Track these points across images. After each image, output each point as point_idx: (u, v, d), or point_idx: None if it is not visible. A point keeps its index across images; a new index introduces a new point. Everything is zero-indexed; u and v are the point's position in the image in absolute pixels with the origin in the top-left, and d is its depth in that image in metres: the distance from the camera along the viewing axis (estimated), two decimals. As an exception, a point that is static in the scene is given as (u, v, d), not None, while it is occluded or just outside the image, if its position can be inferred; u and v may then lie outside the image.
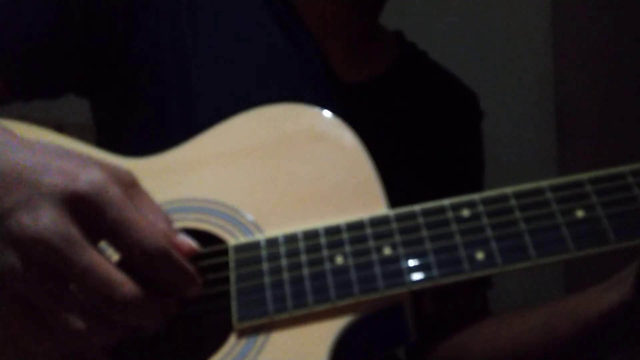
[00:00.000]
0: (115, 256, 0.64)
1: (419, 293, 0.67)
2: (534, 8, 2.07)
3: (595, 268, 1.66)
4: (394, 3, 0.98)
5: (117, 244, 0.59)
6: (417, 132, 0.99)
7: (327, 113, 0.76)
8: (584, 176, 0.66)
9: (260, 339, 0.65)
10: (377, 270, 0.65)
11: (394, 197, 0.71)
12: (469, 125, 1.07)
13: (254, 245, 0.69)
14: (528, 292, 1.74)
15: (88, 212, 0.57)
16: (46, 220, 0.55)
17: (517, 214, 0.65)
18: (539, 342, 0.83)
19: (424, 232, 0.66)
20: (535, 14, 2.08)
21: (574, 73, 2.00)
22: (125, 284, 0.57)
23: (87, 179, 0.57)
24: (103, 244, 0.60)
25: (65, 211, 0.56)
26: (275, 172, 0.73)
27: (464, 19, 2.05)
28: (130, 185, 0.61)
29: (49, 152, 0.58)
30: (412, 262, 0.65)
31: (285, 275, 0.67)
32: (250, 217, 0.71)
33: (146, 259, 0.59)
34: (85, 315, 0.57)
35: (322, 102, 0.77)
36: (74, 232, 0.56)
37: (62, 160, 0.58)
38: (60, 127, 1.45)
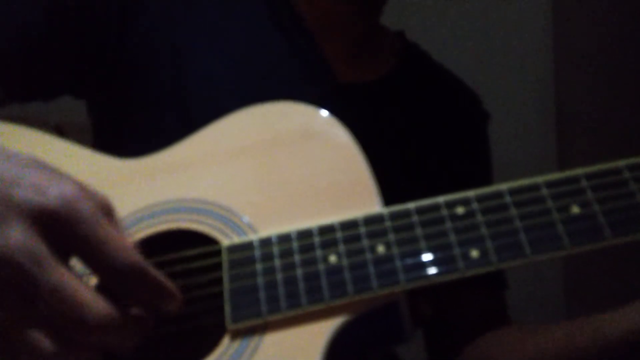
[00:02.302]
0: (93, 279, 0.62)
1: (415, 292, 0.66)
2: (534, 8, 2.07)
3: (594, 268, 1.65)
4: (394, 3, 0.97)
5: (88, 261, 0.56)
6: (420, 133, 0.98)
7: (320, 111, 0.75)
8: (579, 172, 0.65)
9: (254, 340, 0.65)
10: (371, 269, 0.65)
11: (395, 199, 0.70)
12: (472, 127, 1.06)
13: (247, 246, 0.68)
14: (528, 292, 1.73)
15: (58, 227, 0.54)
16: (13, 236, 0.53)
17: (512, 211, 0.65)
18: (562, 357, 0.83)
19: (418, 231, 0.66)
20: (535, 14, 2.07)
21: (574, 73, 1.99)
22: (96, 304, 0.54)
23: (58, 193, 0.54)
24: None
25: (35, 227, 0.54)
26: (268, 171, 0.73)
27: (464, 19, 2.04)
28: (104, 209, 0.58)
29: (22, 164, 0.56)
30: (406, 261, 0.65)
31: (279, 276, 0.66)
32: (243, 217, 0.71)
33: (119, 276, 0.56)
34: (54, 336, 0.54)
35: (320, 103, 0.76)
36: (43, 249, 0.53)
37: (34, 173, 0.56)
38: (60, 127, 1.45)
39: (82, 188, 0.56)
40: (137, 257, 0.57)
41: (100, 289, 0.56)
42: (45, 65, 0.86)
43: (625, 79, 1.77)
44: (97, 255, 0.55)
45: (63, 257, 0.55)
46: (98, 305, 0.54)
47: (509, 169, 1.14)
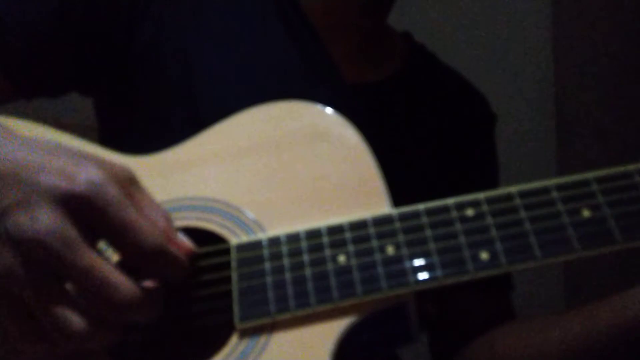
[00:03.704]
0: (115, 255, 0.63)
1: (422, 294, 0.66)
2: (534, 8, 2.07)
3: (595, 269, 1.66)
4: (394, 3, 0.97)
5: (115, 244, 0.59)
6: (427, 134, 0.98)
7: (329, 111, 0.75)
8: (590, 175, 0.65)
9: (262, 339, 0.65)
10: (380, 270, 0.65)
11: (403, 199, 0.70)
12: (480, 129, 1.06)
13: (256, 245, 0.68)
14: (528, 293, 1.73)
15: (86, 212, 0.56)
16: (44, 220, 0.54)
17: (522, 214, 0.65)
18: (589, 347, 0.79)
19: (428, 232, 0.66)
20: (535, 14, 2.07)
21: (574, 73, 1.99)
22: (124, 284, 0.57)
23: (85, 178, 0.56)
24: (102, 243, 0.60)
25: (63, 211, 0.55)
26: (277, 170, 0.73)
27: (464, 19, 2.04)
28: (128, 182, 0.60)
29: (47, 150, 0.58)
30: (415, 262, 0.65)
31: (288, 275, 0.66)
32: (252, 216, 0.71)
33: (145, 259, 0.59)
34: (83, 316, 0.57)
35: (328, 103, 0.76)
36: (72, 232, 0.55)
37: (60, 159, 0.57)
38: (59, 127, 1.45)
39: (107, 171, 0.58)
40: (161, 240, 0.59)
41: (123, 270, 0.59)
42: (54, 61, 0.87)
43: (625, 79, 1.78)
44: (123, 238, 0.58)
45: (91, 240, 0.57)
46: (126, 285, 0.57)
47: (509, 169, 1.14)
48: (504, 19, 2.06)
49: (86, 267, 0.55)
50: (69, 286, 0.57)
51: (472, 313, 0.97)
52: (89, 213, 0.56)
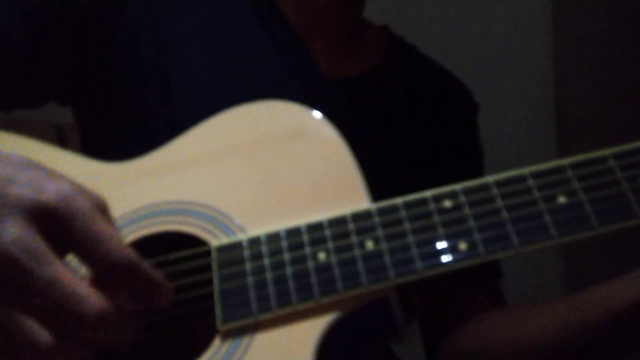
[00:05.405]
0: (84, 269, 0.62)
1: (408, 286, 0.66)
2: (534, 8, 2.07)
3: (595, 269, 1.64)
4: (394, 3, 0.97)
5: (83, 256, 0.57)
6: (408, 127, 0.98)
7: (307, 109, 0.75)
8: (565, 161, 0.66)
9: (245, 340, 0.65)
10: (360, 265, 0.65)
11: (388, 193, 0.70)
12: (461, 119, 1.06)
13: (237, 246, 0.68)
14: (527, 292, 1.72)
15: (54, 223, 0.55)
16: (10, 232, 0.53)
17: (499, 203, 0.65)
18: (570, 336, 0.79)
19: (407, 225, 0.66)
20: (535, 14, 2.07)
21: (574, 73, 1.99)
22: (91, 297, 0.55)
23: (54, 189, 0.55)
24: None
25: (31, 223, 0.54)
26: (256, 170, 0.73)
27: (464, 18, 2.04)
28: (101, 209, 0.59)
29: (14, 163, 0.57)
30: (395, 256, 0.64)
31: (269, 275, 0.66)
32: (232, 217, 0.71)
33: (114, 271, 0.57)
34: (52, 330, 0.55)
35: (307, 100, 0.76)
36: (39, 244, 0.54)
37: (28, 171, 0.56)
38: (60, 128, 1.46)
39: (77, 185, 0.57)
40: (131, 253, 0.58)
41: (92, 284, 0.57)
42: (28, 73, 0.86)
43: (625, 79, 1.77)
44: (92, 250, 0.56)
45: (59, 252, 0.56)
46: (94, 298, 0.55)
47: (509, 169, 1.14)
48: (504, 18, 2.05)
49: (50, 279, 0.54)
50: (37, 299, 0.56)
51: (460, 303, 0.96)
52: (57, 224, 0.55)
